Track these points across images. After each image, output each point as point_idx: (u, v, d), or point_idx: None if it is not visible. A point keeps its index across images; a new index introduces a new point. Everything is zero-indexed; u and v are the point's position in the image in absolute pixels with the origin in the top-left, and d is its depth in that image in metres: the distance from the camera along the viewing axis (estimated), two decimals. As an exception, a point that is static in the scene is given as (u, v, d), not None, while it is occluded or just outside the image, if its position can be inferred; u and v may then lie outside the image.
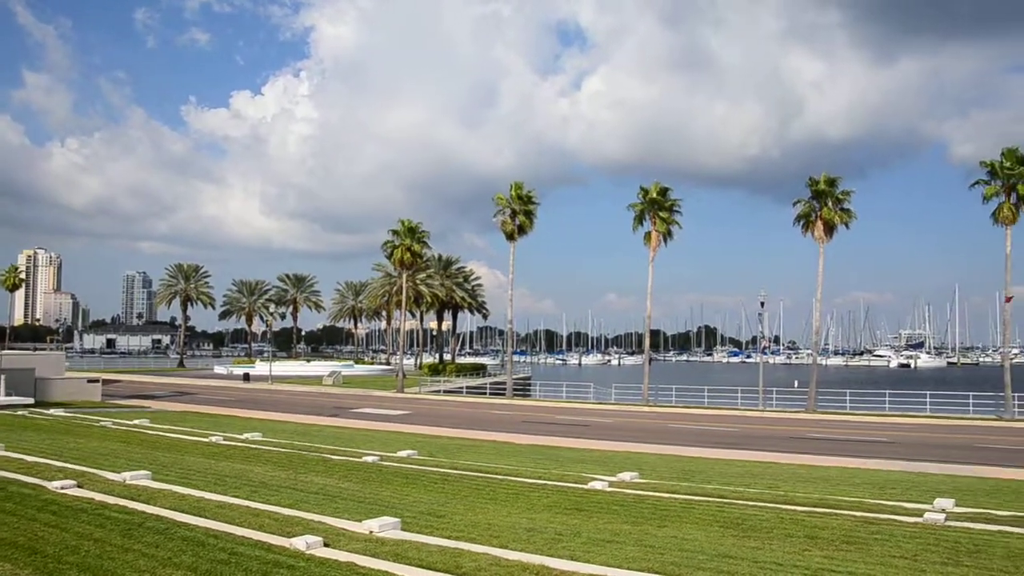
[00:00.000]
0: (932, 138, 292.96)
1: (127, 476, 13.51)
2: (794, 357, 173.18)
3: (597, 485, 15.80)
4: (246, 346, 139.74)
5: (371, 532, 10.15)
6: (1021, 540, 11.59)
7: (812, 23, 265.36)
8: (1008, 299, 46.52)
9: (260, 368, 78.39)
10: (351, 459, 19.48)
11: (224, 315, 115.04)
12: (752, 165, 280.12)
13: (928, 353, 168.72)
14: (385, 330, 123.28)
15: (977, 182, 44.19)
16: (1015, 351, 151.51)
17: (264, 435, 25.00)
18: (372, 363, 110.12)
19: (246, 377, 71.39)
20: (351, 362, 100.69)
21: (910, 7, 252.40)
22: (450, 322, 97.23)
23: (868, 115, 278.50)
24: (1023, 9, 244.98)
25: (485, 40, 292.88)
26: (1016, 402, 42.26)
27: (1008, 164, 43.04)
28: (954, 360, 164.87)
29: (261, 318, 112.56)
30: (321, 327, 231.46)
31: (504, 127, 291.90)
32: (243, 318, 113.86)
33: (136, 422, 27.80)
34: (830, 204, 47.36)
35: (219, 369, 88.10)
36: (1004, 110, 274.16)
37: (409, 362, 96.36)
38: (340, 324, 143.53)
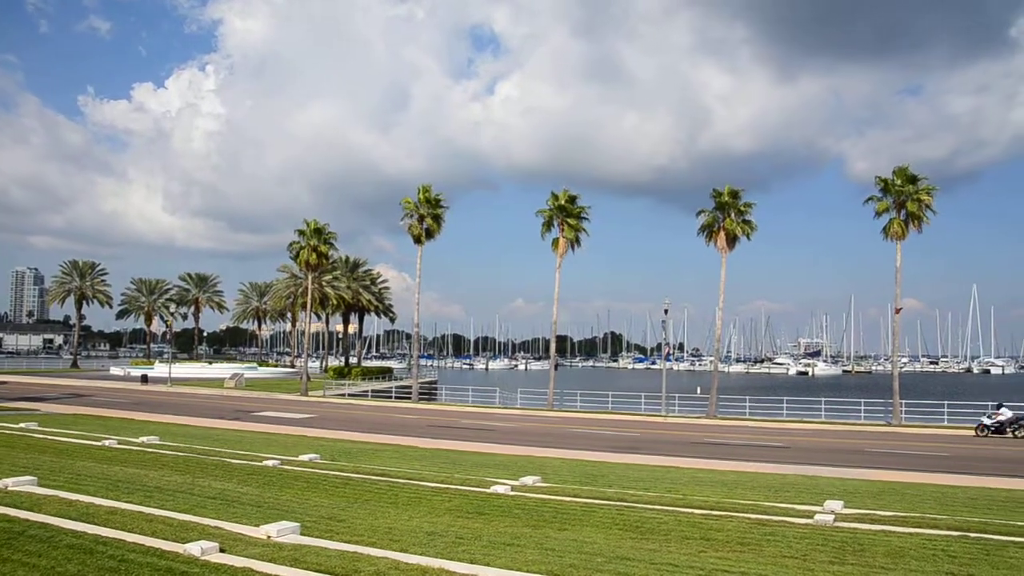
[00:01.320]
0: (831, 154, 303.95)
1: (9, 482, 12.91)
2: (697, 364, 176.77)
3: (499, 489, 15.86)
4: (145, 347, 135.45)
5: (269, 537, 9.97)
6: (901, 539, 12.11)
7: (720, 39, 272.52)
8: (898, 311, 48.57)
9: (159, 370, 76.06)
10: (251, 463, 19.10)
11: (122, 314, 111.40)
12: (661, 175, 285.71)
13: (825, 361, 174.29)
14: (290, 332, 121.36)
15: (871, 198, 45.98)
16: (904, 360, 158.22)
17: (162, 439, 24.28)
18: (276, 366, 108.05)
19: (144, 379, 69.12)
20: (255, 364, 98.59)
21: (810, 29, 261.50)
22: (356, 325, 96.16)
23: (771, 130, 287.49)
24: (914, 36, 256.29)
25: (398, 42, 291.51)
26: (903, 409, 44.12)
27: (899, 182, 44.91)
28: (849, 368, 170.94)
29: (161, 318, 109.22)
30: (224, 328, 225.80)
31: (415, 130, 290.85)
32: (142, 318, 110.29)
33: (22, 425, 26.63)
34: (733, 215, 48.64)
35: (116, 370, 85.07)
36: (897, 130, 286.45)
37: (314, 365, 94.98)
38: (244, 325, 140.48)
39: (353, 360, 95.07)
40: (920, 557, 11.04)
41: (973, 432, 37.18)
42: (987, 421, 37.12)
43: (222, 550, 9.00)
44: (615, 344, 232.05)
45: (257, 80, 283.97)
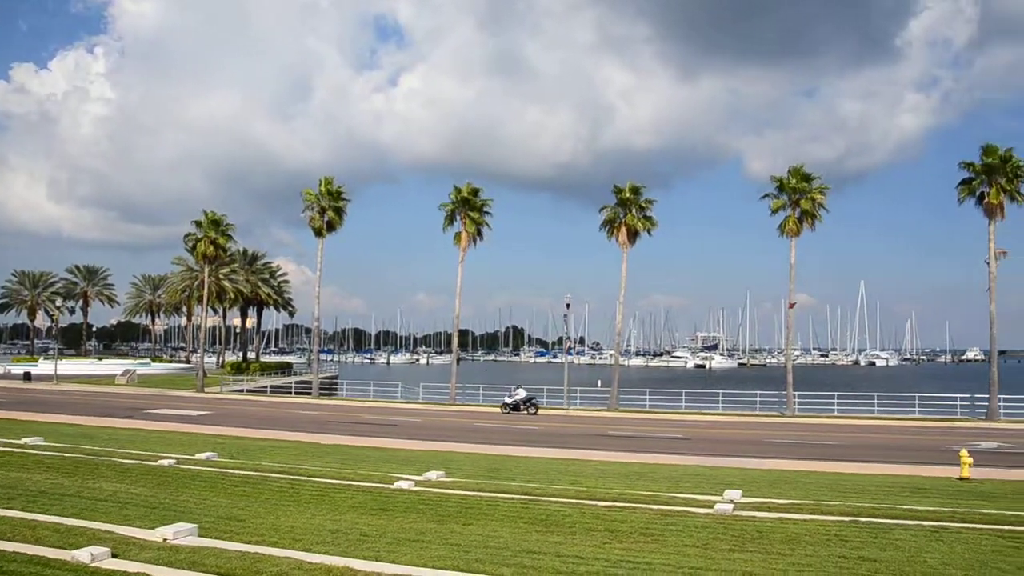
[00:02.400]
0: (730, 153, 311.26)
1: None
2: (598, 357, 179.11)
3: (403, 485, 15.71)
4: (28, 343, 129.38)
5: (165, 540, 9.62)
6: (797, 525, 12.51)
7: (623, 36, 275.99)
8: (791, 305, 50.16)
9: (44, 366, 72.75)
10: (145, 463, 18.45)
11: (2, 308, 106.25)
12: (563, 170, 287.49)
13: (722, 355, 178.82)
14: (185, 327, 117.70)
15: (767, 195, 47.33)
16: (797, 353, 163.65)
17: (47, 439, 23.18)
18: (171, 361, 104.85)
19: (27, 376, 66.06)
20: (148, 360, 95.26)
21: (710, 29, 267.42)
22: (255, 319, 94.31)
23: (672, 128, 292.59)
24: (810, 41, 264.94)
25: (299, 30, 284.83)
26: (796, 400, 45.64)
27: (794, 181, 46.33)
28: (744, 361, 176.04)
29: (46, 312, 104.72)
30: (116, 323, 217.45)
31: (316, 121, 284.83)
32: (25, 312, 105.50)
33: None
34: (634, 211, 49.41)
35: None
36: (794, 131, 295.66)
37: (211, 360, 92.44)
38: (137, 320, 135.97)
39: (252, 355, 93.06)
40: (815, 542, 11.42)
41: (499, 410, 43.14)
42: (507, 400, 43.32)
43: (114, 555, 8.63)
44: (517, 338, 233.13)
45: (151, 65, 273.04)
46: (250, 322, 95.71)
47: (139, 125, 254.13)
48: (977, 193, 43.38)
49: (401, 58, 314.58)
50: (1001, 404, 42.16)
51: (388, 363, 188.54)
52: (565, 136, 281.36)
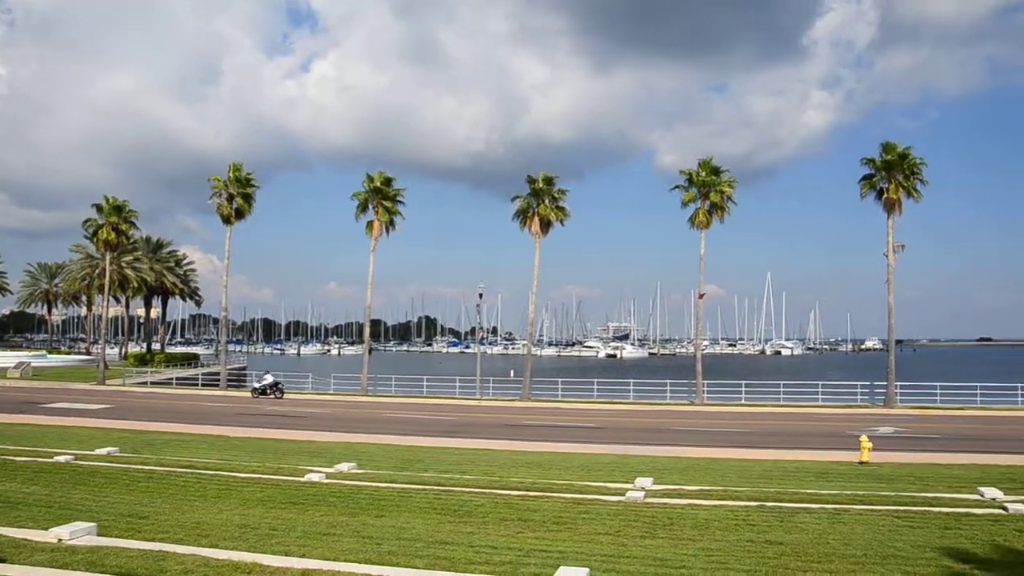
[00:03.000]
0: (642, 146, 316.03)
1: None
2: (511, 347, 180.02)
3: (314, 477, 15.44)
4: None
5: (60, 540, 9.20)
6: (707, 511, 12.75)
7: (539, 28, 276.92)
8: (701, 296, 51.22)
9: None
10: (39, 459, 17.69)
11: None
12: (478, 160, 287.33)
13: (633, 344, 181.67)
14: (85, 317, 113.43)
15: (677, 187, 48.09)
16: (706, 343, 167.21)
17: (-68, 435, 22.04)
18: (69, 353, 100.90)
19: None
20: (44, 352, 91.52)
21: (625, 23, 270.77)
22: (160, 309, 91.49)
23: (586, 120, 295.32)
24: (720, 38, 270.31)
25: (207, 12, 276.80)
26: (705, 389, 46.60)
27: (704, 174, 47.18)
28: (655, 351, 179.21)
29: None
30: (8, 313, 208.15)
31: (225, 105, 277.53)
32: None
33: None
34: (547, 202, 49.59)
35: None
36: (705, 125, 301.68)
37: (113, 352, 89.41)
38: (32, 310, 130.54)
39: (156, 346, 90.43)
40: (724, 527, 11.65)
41: (250, 394, 46.59)
42: (256, 385, 47.11)
43: (2, 560, 8.19)
44: (429, 328, 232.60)
45: (46, 40, 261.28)
46: (155, 312, 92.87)
47: (33, 103, 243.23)
48: (877, 188, 44.90)
49: (314, 43, 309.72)
50: (898, 391, 43.91)
51: (298, 354, 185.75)
52: (480, 126, 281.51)
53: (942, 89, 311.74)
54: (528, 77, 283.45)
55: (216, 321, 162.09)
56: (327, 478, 15.58)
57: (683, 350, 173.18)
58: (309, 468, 16.83)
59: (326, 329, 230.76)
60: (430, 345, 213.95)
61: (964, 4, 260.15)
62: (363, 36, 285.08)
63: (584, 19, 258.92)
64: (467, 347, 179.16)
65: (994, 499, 13.84)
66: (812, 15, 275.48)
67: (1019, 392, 44.92)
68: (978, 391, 45.27)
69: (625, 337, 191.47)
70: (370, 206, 52.08)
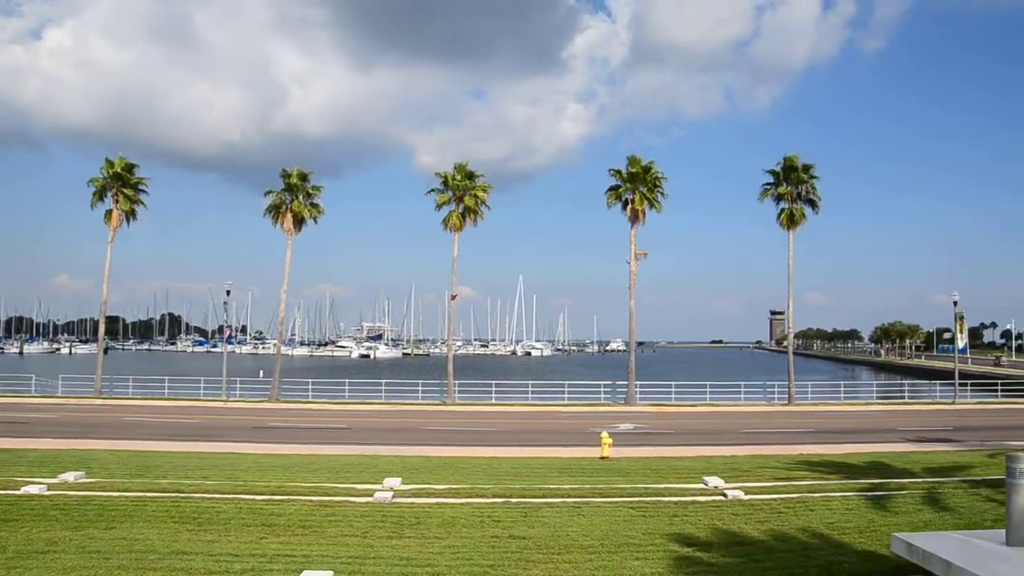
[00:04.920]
0: (402, 146, 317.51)
1: None
2: (261, 347, 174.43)
3: (33, 489, 14.09)
4: None
5: None
6: (454, 509, 12.96)
7: (300, 18, 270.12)
8: (453, 297, 52.00)
9: None
10: None
11: None
12: (231, 150, 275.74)
13: (386, 344, 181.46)
14: None
15: (432, 190, 48.59)
16: (458, 344, 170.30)
17: None
18: None
19: None
20: None
21: (388, 22, 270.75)
22: None
23: (346, 116, 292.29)
24: (482, 45, 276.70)
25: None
26: (457, 388, 47.38)
27: (459, 178, 47.98)
28: (409, 351, 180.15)
29: None
30: None
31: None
32: None
33: None
34: (301, 198, 48.43)
35: None
36: (464, 129, 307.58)
37: None
38: None
39: None
40: (470, 524, 11.87)
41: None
42: None
43: None
44: (173, 326, 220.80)
45: None
46: None
47: None
48: (623, 199, 47.71)
49: (48, 9, 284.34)
50: (638, 390, 46.95)
51: (21, 353, 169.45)
52: (235, 115, 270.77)
53: (684, 110, 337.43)
54: (287, 68, 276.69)
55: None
56: (49, 490, 14.28)
57: (437, 350, 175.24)
58: (28, 479, 15.33)
59: (56, 326, 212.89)
60: (174, 344, 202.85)
61: (704, 33, 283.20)
62: (106, 7, 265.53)
63: (346, 14, 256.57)
64: (214, 346, 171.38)
65: (716, 487, 15.08)
66: (572, 31, 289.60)
67: (742, 389, 49.49)
68: (708, 389, 49.44)
69: (379, 337, 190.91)
70: (109, 194, 48.47)
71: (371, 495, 13.96)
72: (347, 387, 49.26)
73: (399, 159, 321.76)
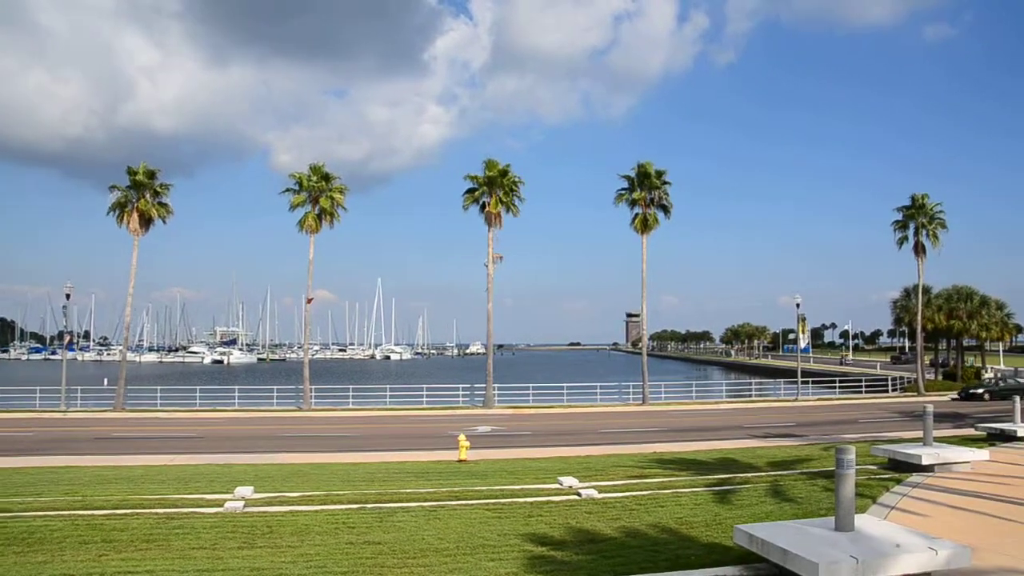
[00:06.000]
0: (258, 144, 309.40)
1: None
2: (106, 353, 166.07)
3: None
4: None
5: None
6: (307, 516, 12.73)
7: (149, 7, 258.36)
8: (309, 300, 50.94)
9: None
10: None
11: None
12: (74, 145, 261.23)
13: (241, 350, 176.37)
14: None
15: (287, 191, 47.53)
16: (315, 348, 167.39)
17: None
18: None
19: None
20: None
21: (244, 17, 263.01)
22: None
23: (199, 113, 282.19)
24: (342, 45, 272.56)
25: None
26: (313, 394, 46.49)
27: (315, 178, 47.16)
28: (264, 356, 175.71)
29: None
30: None
31: None
32: None
33: None
34: (148, 196, 46.45)
35: None
36: (323, 129, 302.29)
37: None
38: None
39: None
40: (324, 531, 11.66)
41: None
42: None
43: None
44: (6, 332, 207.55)
45: None
46: None
47: None
48: (480, 202, 48.03)
49: None
50: (496, 392, 47.35)
51: None
52: (77, 107, 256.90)
53: (544, 115, 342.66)
54: (136, 59, 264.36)
55: None
56: None
57: (293, 355, 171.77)
58: None
59: None
60: (7, 351, 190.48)
61: (564, 41, 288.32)
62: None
63: (201, 4, 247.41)
64: (53, 353, 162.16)
65: (571, 487, 15.36)
66: (434, 33, 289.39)
67: (598, 391, 50.65)
68: (564, 391, 50.33)
69: (233, 342, 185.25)
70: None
71: (221, 505, 13.51)
72: (198, 394, 47.44)
73: (255, 159, 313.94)
